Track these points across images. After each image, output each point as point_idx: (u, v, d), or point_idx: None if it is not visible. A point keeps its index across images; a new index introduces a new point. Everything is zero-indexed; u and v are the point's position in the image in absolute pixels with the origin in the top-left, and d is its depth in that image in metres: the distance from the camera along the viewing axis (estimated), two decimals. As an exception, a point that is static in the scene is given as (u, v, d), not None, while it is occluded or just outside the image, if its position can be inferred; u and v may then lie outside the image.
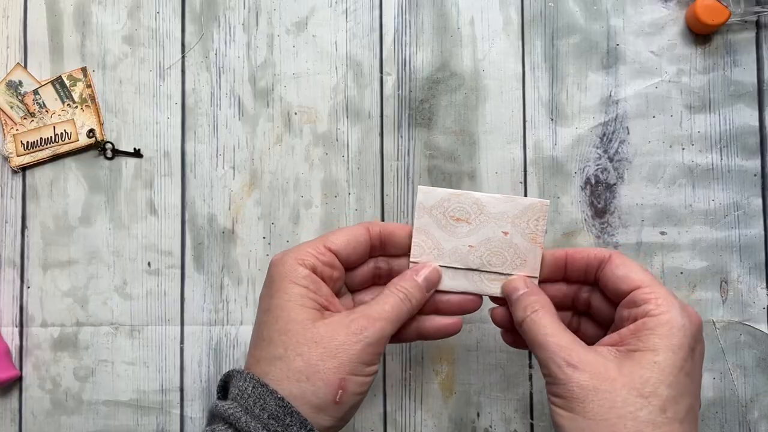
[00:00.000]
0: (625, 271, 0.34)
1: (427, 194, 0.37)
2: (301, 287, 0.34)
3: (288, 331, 0.33)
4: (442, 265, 0.38)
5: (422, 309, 0.38)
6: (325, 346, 0.33)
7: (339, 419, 0.33)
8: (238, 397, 0.32)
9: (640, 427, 0.29)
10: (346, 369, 0.32)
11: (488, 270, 0.38)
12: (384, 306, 0.35)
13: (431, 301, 0.38)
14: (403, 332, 0.38)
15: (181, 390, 0.47)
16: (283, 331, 0.33)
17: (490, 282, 0.38)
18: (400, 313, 0.35)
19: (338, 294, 0.38)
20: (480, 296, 0.38)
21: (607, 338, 0.33)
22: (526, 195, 0.46)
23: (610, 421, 0.29)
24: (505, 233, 0.37)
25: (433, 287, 0.38)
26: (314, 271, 0.35)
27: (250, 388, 0.32)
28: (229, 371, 0.35)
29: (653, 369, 0.30)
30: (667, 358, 0.30)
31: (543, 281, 0.38)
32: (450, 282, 0.38)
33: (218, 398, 0.35)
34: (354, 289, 0.40)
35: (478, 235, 0.37)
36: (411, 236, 0.38)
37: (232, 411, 0.31)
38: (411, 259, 0.38)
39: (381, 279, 0.40)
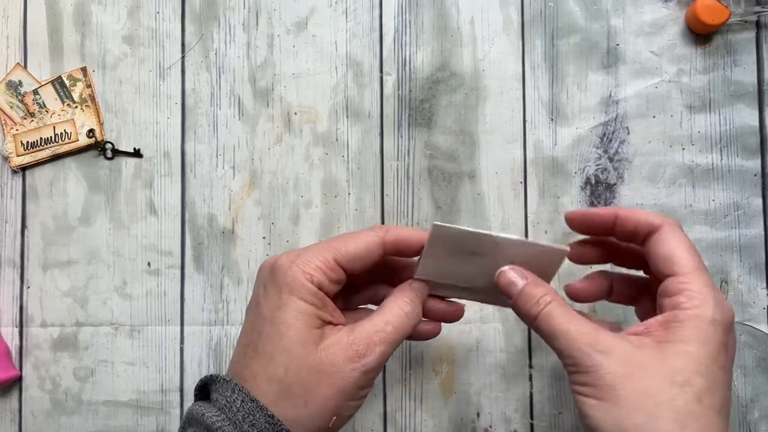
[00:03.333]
0: (668, 249, 0.32)
1: (442, 230, 0.34)
2: (309, 305, 0.33)
3: (291, 351, 0.32)
4: (449, 283, 0.37)
5: None
6: (326, 372, 0.32)
7: None
8: (226, 409, 0.31)
9: (678, 417, 0.27)
10: (343, 396, 0.32)
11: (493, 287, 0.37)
12: (386, 327, 0.33)
13: None
14: None
15: (181, 390, 0.47)
16: (286, 350, 0.32)
17: (498, 296, 0.37)
18: (404, 330, 0.34)
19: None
20: (462, 308, 0.38)
21: (632, 328, 0.32)
22: (525, 195, 0.46)
23: (645, 410, 0.28)
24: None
25: (424, 297, 0.37)
26: (321, 287, 0.34)
27: (239, 402, 0.31)
28: (211, 375, 0.34)
29: (685, 359, 0.29)
30: (699, 349, 0.29)
31: (588, 243, 0.38)
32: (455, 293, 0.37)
33: (196, 399, 0.34)
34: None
35: (490, 265, 0.36)
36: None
37: (220, 424, 0.31)
38: (416, 277, 0.36)
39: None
